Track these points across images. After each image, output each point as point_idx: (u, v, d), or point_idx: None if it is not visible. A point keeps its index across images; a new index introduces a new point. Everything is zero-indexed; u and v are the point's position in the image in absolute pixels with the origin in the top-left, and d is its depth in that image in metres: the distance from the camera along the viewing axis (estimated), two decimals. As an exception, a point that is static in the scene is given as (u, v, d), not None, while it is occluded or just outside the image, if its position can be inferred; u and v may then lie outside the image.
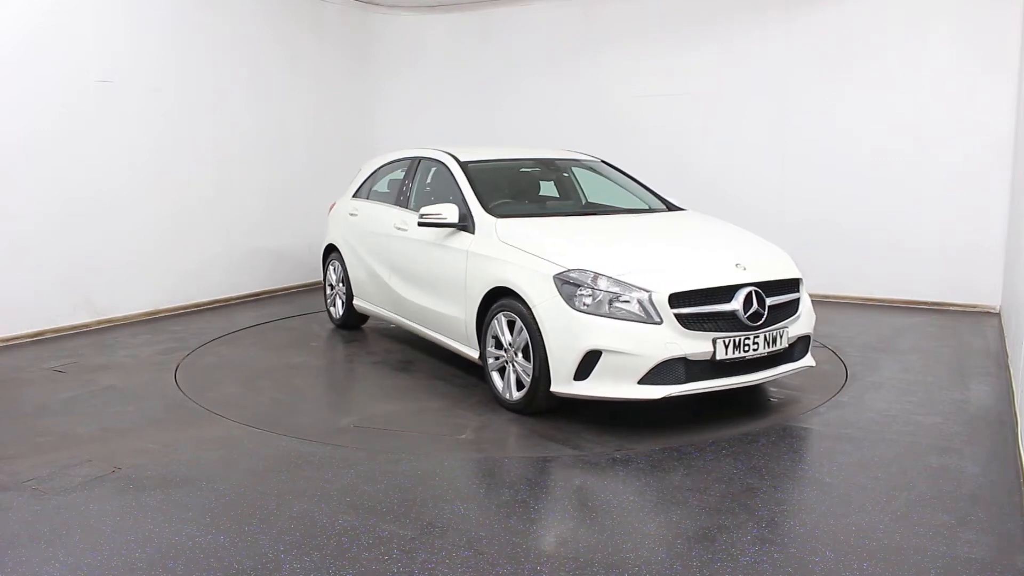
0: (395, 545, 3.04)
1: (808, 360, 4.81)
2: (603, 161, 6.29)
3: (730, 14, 8.23)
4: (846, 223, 7.85)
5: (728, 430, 4.32)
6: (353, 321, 6.85)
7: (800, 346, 4.72)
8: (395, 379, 5.51)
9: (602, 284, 4.24)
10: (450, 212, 5.16)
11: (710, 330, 4.22)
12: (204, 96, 7.77)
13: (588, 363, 4.19)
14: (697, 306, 4.23)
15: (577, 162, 6.21)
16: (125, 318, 7.15)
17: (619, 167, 6.27)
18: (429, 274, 5.49)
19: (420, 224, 5.28)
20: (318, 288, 9.03)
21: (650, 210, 5.66)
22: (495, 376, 4.77)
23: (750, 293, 4.30)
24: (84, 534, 3.16)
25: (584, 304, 4.23)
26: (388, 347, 6.35)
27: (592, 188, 6.22)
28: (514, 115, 9.43)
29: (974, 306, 7.39)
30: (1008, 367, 5.36)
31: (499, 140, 9.38)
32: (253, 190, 8.37)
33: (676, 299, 4.19)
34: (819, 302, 7.83)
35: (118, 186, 7.03)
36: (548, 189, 6.12)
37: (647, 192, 5.92)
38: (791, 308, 4.59)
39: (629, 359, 4.12)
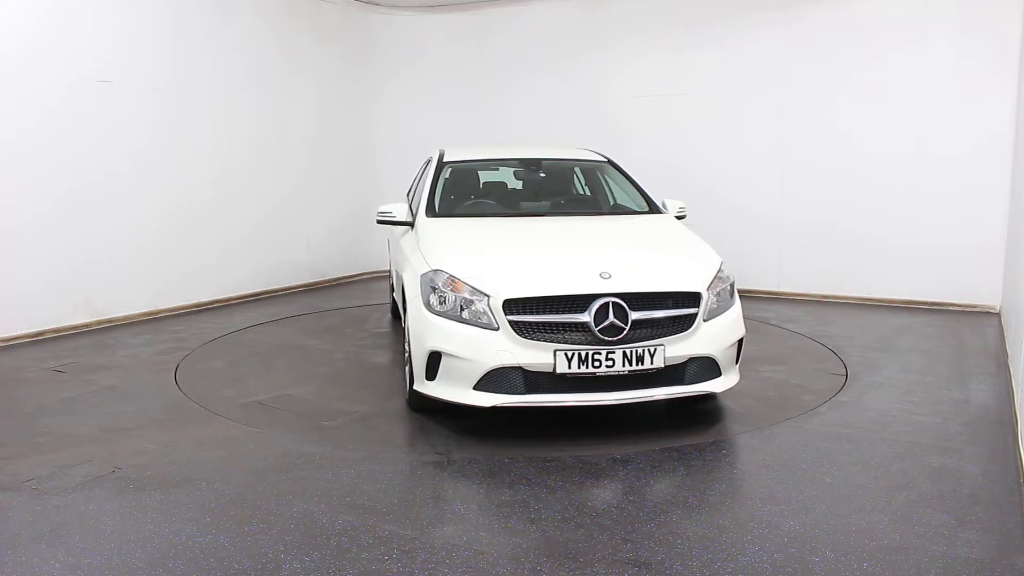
0: (395, 545, 3.04)
1: (713, 385, 4.26)
2: (609, 161, 6.19)
3: (730, 14, 8.23)
4: (846, 223, 7.85)
5: (728, 430, 4.32)
6: (399, 311, 6.96)
7: (695, 367, 4.22)
8: (368, 366, 5.74)
9: (456, 287, 4.20)
10: (399, 210, 5.37)
11: (555, 341, 4.01)
12: (204, 96, 7.77)
13: (433, 364, 4.19)
14: (538, 314, 4.03)
15: (575, 162, 6.16)
16: (125, 318, 7.15)
17: (620, 167, 6.22)
18: (395, 269, 5.74)
19: (378, 222, 5.48)
20: (318, 288, 9.06)
21: (614, 212, 5.65)
22: (407, 371, 4.80)
23: (606, 304, 4.00)
24: (84, 534, 3.16)
25: (438, 306, 4.21)
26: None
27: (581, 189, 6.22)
28: (514, 115, 9.44)
29: (974, 306, 7.39)
30: (1008, 367, 5.35)
31: (498, 140, 9.38)
32: (253, 190, 8.37)
33: (511, 305, 4.04)
34: (819, 302, 7.88)
35: (118, 186, 7.04)
36: (540, 189, 6.09)
37: (638, 193, 5.78)
38: (679, 324, 4.15)
39: (464, 363, 4.07)
